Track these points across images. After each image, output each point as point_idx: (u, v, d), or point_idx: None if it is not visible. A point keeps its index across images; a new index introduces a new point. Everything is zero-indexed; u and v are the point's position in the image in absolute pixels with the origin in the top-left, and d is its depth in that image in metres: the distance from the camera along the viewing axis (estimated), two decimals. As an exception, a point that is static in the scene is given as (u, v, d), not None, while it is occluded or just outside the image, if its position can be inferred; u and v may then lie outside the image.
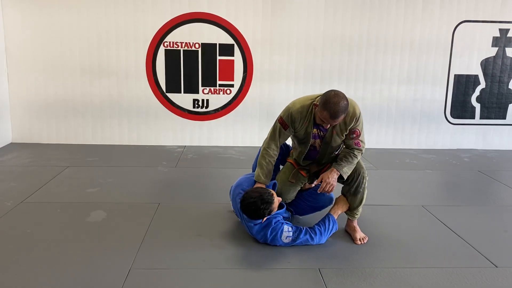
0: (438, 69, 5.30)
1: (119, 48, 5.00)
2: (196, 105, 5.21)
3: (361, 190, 2.73)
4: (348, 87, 5.21)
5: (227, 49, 5.09)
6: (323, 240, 2.68)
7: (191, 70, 5.11)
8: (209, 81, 5.16)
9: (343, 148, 2.76)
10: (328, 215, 2.74)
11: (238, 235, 2.79)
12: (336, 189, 2.71)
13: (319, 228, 2.67)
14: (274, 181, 2.83)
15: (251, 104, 5.24)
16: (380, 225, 3.03)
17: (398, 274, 2.37)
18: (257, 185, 2.74)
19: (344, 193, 2.82)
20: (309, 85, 5.19)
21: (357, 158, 2.66)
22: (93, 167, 4.27)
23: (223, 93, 5.20)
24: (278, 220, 2.63)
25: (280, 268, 2.41)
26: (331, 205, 2.86)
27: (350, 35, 5.13)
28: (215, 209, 3.22)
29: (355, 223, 2.83)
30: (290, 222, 2.85)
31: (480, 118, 5.47)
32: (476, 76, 5.36)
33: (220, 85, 5.18)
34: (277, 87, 5.20)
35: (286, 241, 2.60)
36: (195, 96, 5.19)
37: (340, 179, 2.70)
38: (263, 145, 2.82)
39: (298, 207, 2.98)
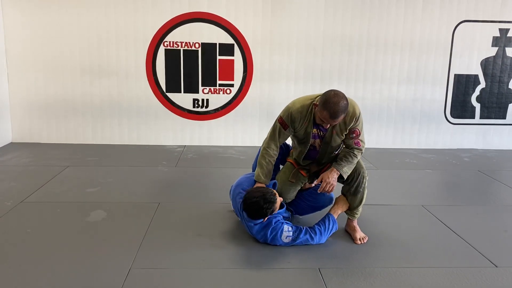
0: (438, 69, 5.30)
1: (119, 48, 5.00)
2: (196, 105, 5.21)
3: (361, 189, 2.73)
4: (348, 87, 5.21)
5: (227, 49, 5.09)
6: (323, 240, 2.68)
7: (191, 70, 5.11)
8: (209, 81, 5.16)
9: (343, 147, 2.76)
10: (328, 214, 2.74)
11: (238, 234, 2.79)
12: (336, 189, 2.71)
13: (319, 227, 2.67)
14: (274, 180, 2.84)
15: (251, 104, 5.24)
16: (380, 225, 3.03)
17: (398, 274, 2.37)
18: (257, 185, 2.74)
19: (344, 192, 2.82)
20: (309, 85, 5.19)
21: (357, 157, 2.66)
22: (93, 166, 4.27)
23: (223, 93, 5.20)
24: (278, 220, 2.63)
25: (280, 268, 2.41)
26: (331, 205, 2.86)
27: (350, 35, 5.13)
28: (215, 209, 3.22)
29: (355, 223, 2.83)
30: (290, 221, 2.85)
31: (480, 118, 5.48)
32: (476, 76, 5.36)
33: (220, 85, 5.18)
34: (277, 87, 5.20)
35: (286, 240, 2.60)
36: (195, 96, 5.19)
37: (340, 178, 2.70)
38: (263, 145, 2.82)
39: (298, 207, 2.98)
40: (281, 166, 3.01)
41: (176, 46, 5.05)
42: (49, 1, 4.83)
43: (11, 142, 5.12)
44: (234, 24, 5.02)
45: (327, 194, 2.80)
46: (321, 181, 2.66)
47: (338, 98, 2.40)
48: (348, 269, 2.41)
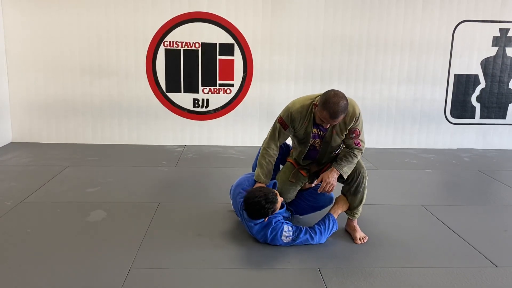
0: (438, 69, 5.30)
1: (119, 48, 5.00)
2: (196, 105, 5.21)
3: (361, 189, 2.73)
4: (348, 87, 5.21)
5: (227, 49, 5.09)
6: (323, 240, 2.68)
7: (191, 70, 5.11)
8: (209, 80, 5.16)
9: (343, 147, 2.76)
10: (328, 214, 2.74)
11: (238, 234, 2.79)
12: (336, 189, 2.71)
13: (319, 227, 2.67)
14: (274, 180, 2.84)
15: (251, 104, 5.24)
16: (380, 224, 3.03)
17: (398, 273, 2.37)
18: (257, 185, 2.74)
19: (344, 192, 2.82)
20: (309, 85, 5.19)
21: (357, 157, 2.66)
22: (93, 166, 4.27)
23: (223, 93, 5.20)
24: (278, 220, 2.63)
25: (280, 267, 2.41)
26: (331, 205, 2.86)
27: (350, 35, 5.13)
28: (215, 208, 3.22)
29: (355, 223, 2.83)
30: (290, 221, 2.85)
31: (480, 118, 5.47)
32: (476, 76, 5.36)
33: (220, 85, 5.18)
34: (277, 87, 5.20)
35: (286, 240, 2.60)
36: (195, 95, 5.19)
37: (340, 178, 2.70)
38: (263, 144, 2.82)
39: (298, 207, 2.98)
40: (281, 166, 3.01)
41: (176, 46, 5.05)
42: (49, 1, 4.83)
43: (11, 142, 5.12)
44: (234, 24, 5.02)
45: (327, 194, 2.80)
46: (321, 181, 2.66)
47: (338, 98, 2.40)
48: (348, 269, 2.41)
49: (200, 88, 5.17)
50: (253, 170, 2.98)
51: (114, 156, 4.70)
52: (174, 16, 4.96)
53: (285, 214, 2.84)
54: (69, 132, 5.16)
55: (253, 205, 2.52)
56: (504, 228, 3.05)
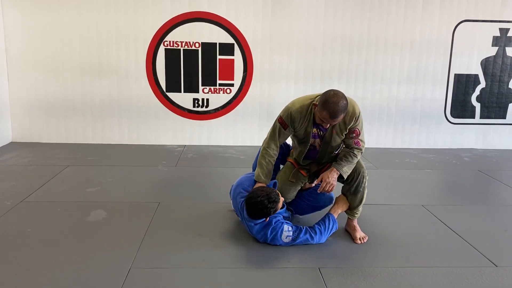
0: (438, 69, 5.30)
1: (119, 48, 5.00)
2: (196, 105, 5.21)
3: (361, 189, 2.73)
4: (348, 87, 5.21)
5: (227, 49, 5.09)
6: (323, 240, 2.68)
7: (191, 70, 5.11)
8: (209, 80, 5.16)
9: (343, 147, 2.76)
10: (328, 214, 2.74)
11: (238, 234, 2.79)
12: (336, 189, 2.71)
13: (319, 227, 2.67)
14: (274, 180, 2.84)
15: (251, 104, 5.24)
16: (380, 224, 3.03)
17: (398, 273, 2.37)
18: (258, 184, 2.74)
19: (344, 192, 2.82)
20: (309, 85, 5.19)
21: (357, 157, 2.66)
22: (93, 166, 4.27)
23: (223, 93, 5.20)
24: (278, 220, 2.63)
25: (280, 267, 2.41)
26: (331, 205, 2.86)
27: (350, 35, 5.13)
28: (215, 208, 3.22)
29: (355, 223, 2.83)
30: (290, 221, 2.85)
31: (480, 118, 5.48)
32: (476, 76, 5.36)
33: (220, 85, 5.18)
34: (277, 86, 5.20)
35: (286, 240, 2.60)
36: (195, 95, 5.19)
37: (340, 178, 2.70)
38: (263, 144, 2.82)
39: (298, 207, 2.98)
40: (281, 166, 3.01)
41: (176, 45, 5.05)
42: (49, 1, 4.83)
43: (11, 142, 5.12)
44: (234, 24, 5.02)
45: (327, 194, 2.80)
46: (321, 181, 2.66)
47: (338, 98, 2.40)
48: (348, 268, 2.41)
49: (200, 88, 5.17)
50: (253, 170, 2.98)
51: (114, 156, 4.70)
52: (174, 16, 4.96)
53: (285, 214, 2.84)
54: (69, 132, 5.16)
55: (255, 204, 2.53)
56: (504, 228, 3.05)
